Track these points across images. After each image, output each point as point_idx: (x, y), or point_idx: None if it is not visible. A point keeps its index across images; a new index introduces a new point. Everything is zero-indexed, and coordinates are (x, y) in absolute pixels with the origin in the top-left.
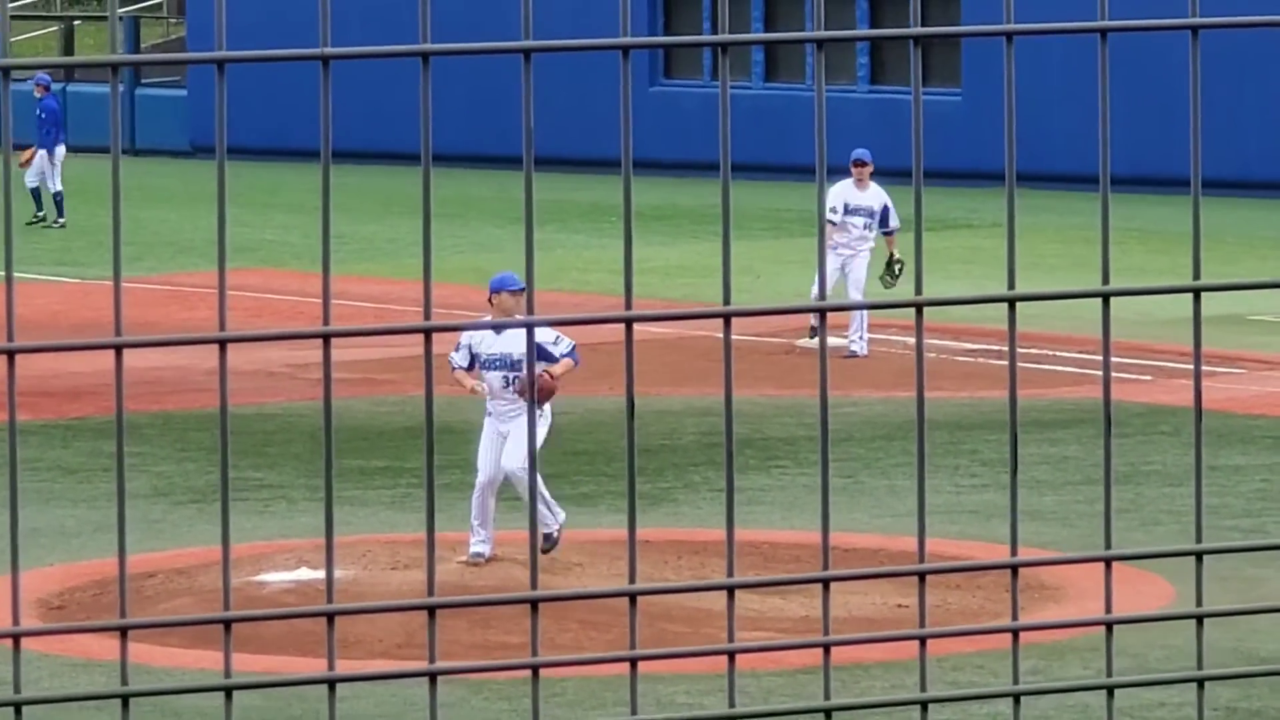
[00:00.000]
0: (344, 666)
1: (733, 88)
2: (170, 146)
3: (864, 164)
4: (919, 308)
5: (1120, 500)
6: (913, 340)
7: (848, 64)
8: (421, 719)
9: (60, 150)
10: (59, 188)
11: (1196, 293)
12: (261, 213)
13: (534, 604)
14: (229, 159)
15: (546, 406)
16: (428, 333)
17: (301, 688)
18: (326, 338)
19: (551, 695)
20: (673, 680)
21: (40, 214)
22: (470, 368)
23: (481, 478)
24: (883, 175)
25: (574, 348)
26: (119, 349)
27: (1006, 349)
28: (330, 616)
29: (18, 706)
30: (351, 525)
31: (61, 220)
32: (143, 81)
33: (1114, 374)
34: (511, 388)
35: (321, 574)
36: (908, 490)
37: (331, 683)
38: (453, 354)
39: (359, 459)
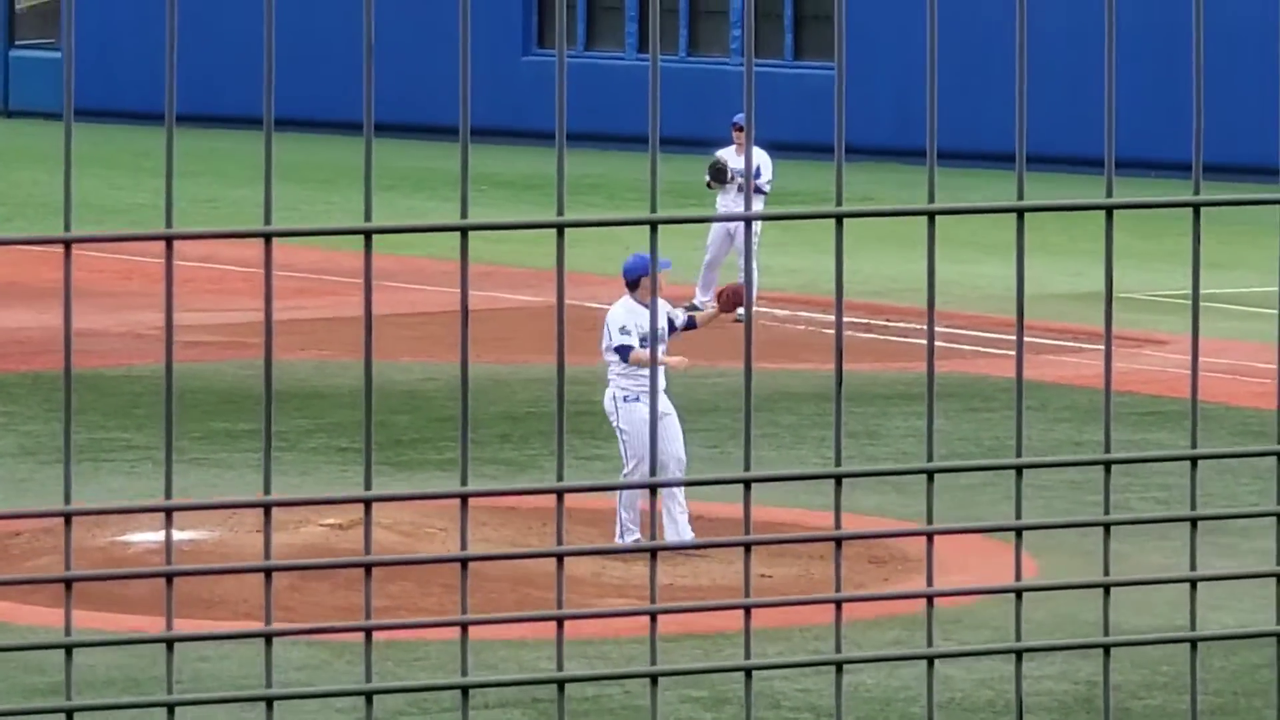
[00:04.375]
0: (208, 627)
1: (607, 58)
2: (45, 108)
3: (741, 128)
4: (748, 221)
5: (985, 474)
6: (779, 312)
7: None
8: (288, 680)
9: None
10: None
11: (1020, 213)
12: (134, 176)
13: (368, 568)
14: (102, 121)
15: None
16: (267, 236)
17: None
18: (169, 241)
19: (414, 659)
20: (536, 645)
21: None
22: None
23: (643, 469)
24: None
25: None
26: None
27: (873, 322)
28: (169, 577)
29: None
30: (218, 488)
31: None
32: (16, 43)
33: (984, 349)
34: (667, 356)
35: (188, 534)
36: (773, 461)
37: (169, 642)
38: (623, 339)
39: (226, 422)
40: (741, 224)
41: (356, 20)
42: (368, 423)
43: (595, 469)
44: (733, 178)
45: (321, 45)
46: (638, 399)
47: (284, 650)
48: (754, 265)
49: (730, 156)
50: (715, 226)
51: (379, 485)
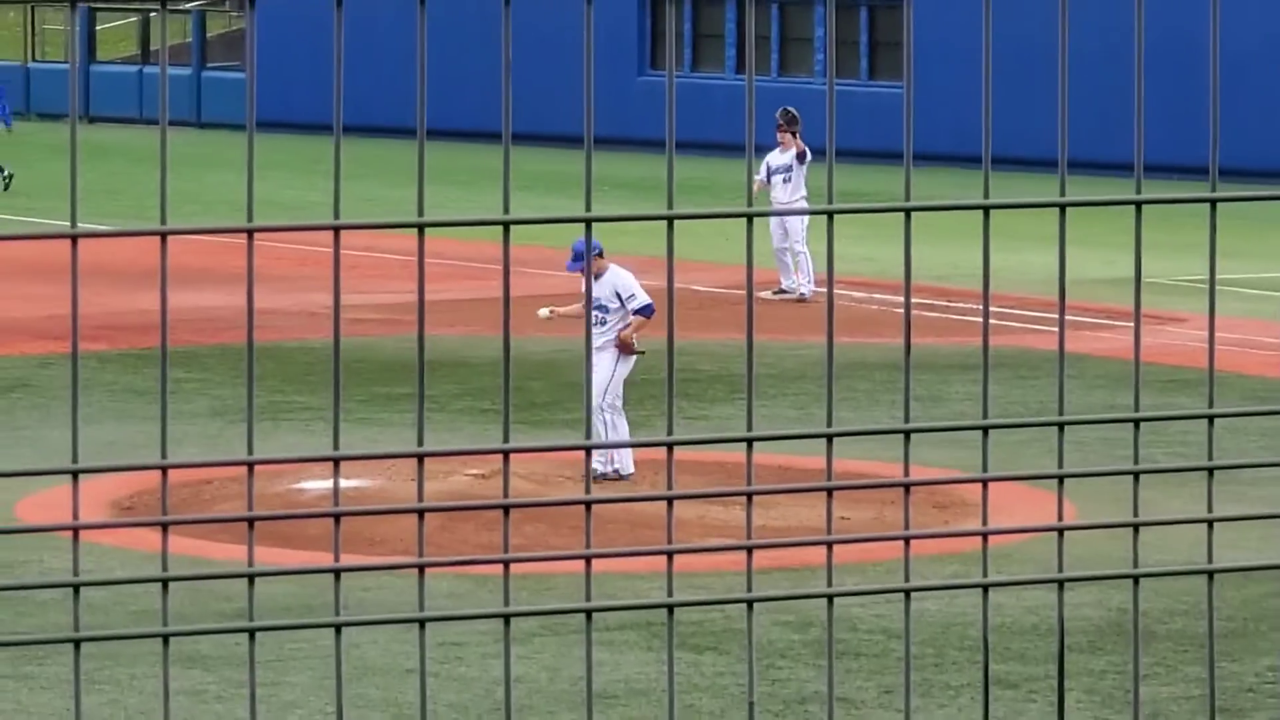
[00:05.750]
0: (372, 561)
1: (706, 78)
2: (230, 120)
3: (781, 128)
4: (831, 215)
5: (1032, 432)
6: (856, 294)
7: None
8: (436, 606)
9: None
10: None
11: (1062, 208)
12: (307, 178)
13: (505, 509)
14: (278, 131)
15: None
16: (420, 227)
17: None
18: (336, 230)
19: (546, 590)
20: (649, 578)
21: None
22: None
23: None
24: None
25: (649, 306)
26: (163, 235)
27: (937, 303)
28: (337, 518)
29: (75, 589)
30: (379, 443)
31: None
32: (207, 65)
33: (1031, 325)
34: (599, 326)
35: (354, 483)
36: (850, 420)
37: (336, 572)
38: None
39: (386, 387)
40: (791, 216)
41: (497, 45)
42: (506, 386)
43: (700, 428)
44: (783, 179)
45: (466, 67)
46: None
47: (434, 582)
48: (803, 250)
49: (773, 155)
50: (771, 220)
51: (515, 441)
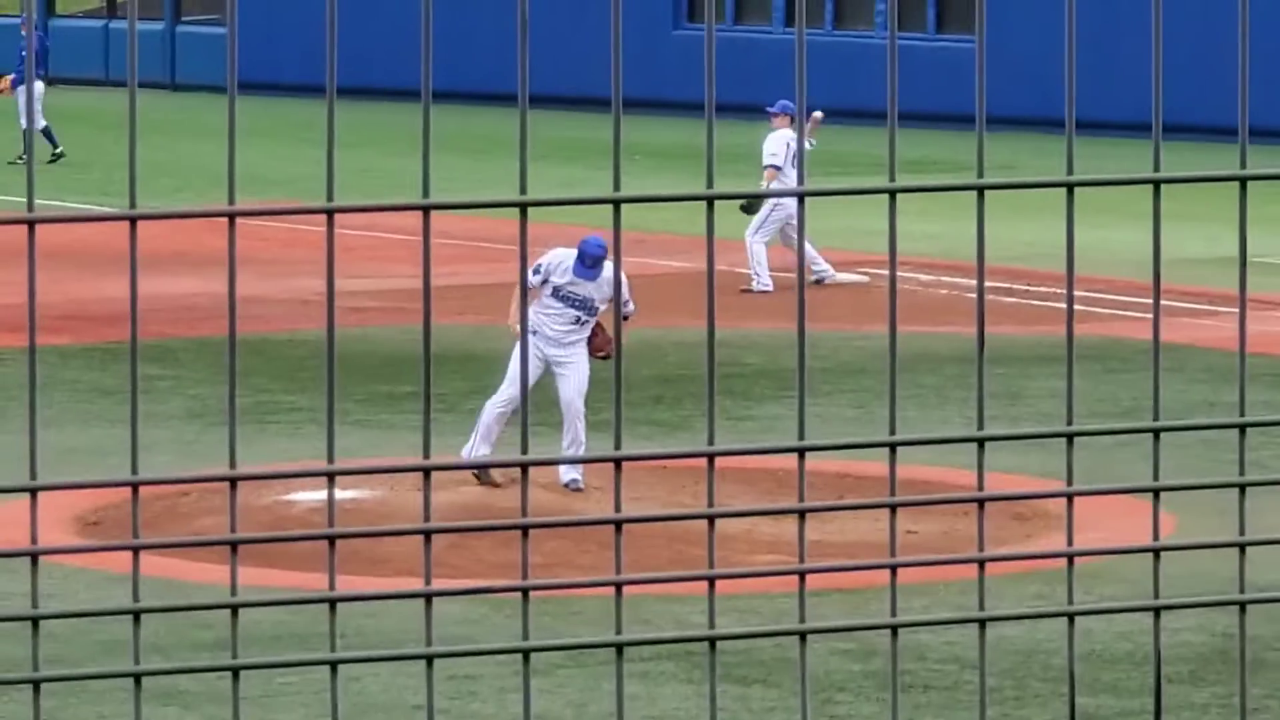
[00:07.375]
0: (373, 584)
1: (752, 32)
2: (209, 82)
3: (772, 114)
4: (894, 193)
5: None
6: (923, 276)
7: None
8: (447, 634)
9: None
10: (44, 122)
11: (1156, 185)
12: (295, 147)
13: (524, 529)
14: (263, 94)
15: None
16: (425, 209)
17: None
18: (330, 214)
19: (571, 613)
20: (689, 600)
21: (58, 151)
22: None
23: (509, 391)
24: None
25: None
26: (133, 220)
27: (1014, 287)
28: (332, 540)
29: (35, 621)
30: (381, 448)
31: (59, 150)
32: (182, 19)
33: (1121, 312)
34: (580, 327)
35: (350, 494)
36: (916, 421)
37: (331, 602)
38: (530, 275)
39: (387, 384)
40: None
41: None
42: (524, 385)
43: (746, 429)
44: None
45: (476, 19)
46: (533, 332)
47: (444, 606)
48: (752, 240)
49: (791, 137)
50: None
51: (535, 445)
